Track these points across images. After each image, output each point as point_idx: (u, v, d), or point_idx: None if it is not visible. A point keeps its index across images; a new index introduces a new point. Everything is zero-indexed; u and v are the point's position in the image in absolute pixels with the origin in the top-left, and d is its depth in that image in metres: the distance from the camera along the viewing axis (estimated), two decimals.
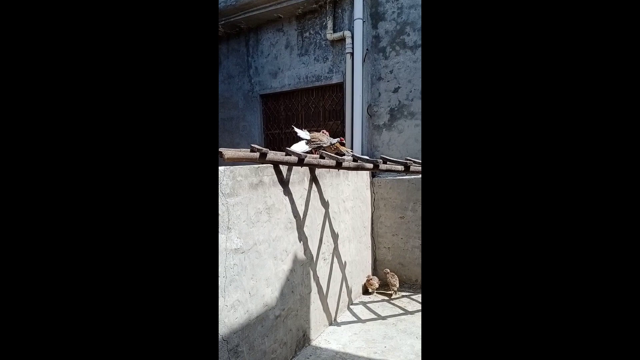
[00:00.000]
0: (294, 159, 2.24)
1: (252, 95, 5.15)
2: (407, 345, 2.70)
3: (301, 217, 2.58)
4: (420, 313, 3.27)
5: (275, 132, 5.12)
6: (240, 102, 5.27)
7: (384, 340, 2.79)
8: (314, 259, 2.78)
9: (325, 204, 2.97)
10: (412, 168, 2.69)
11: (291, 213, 2.44)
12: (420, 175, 3.12)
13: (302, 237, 2.60)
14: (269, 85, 4.97)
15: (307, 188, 2.67)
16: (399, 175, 3.82)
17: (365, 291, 3.85)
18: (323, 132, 3.26)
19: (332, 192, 3.10)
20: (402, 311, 3.33)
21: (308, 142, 3.03)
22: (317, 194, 2.82)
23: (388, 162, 2.79)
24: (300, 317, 2.57)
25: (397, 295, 3.71)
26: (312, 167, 2.65)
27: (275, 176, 2.27)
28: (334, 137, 3.19)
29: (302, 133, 3.08)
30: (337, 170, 3.06)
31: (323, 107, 4.68)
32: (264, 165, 2.20)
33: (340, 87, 4.47)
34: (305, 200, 2.64)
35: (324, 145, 3.00)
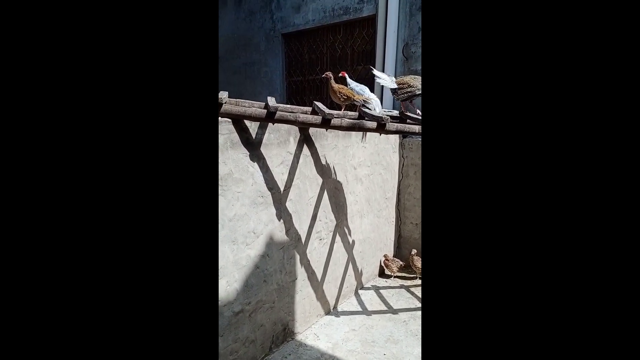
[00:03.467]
0: (258, 111, 1.61)
1: (274, 34, 4.43)
2: (413, 356, 2.13)
3: (281, 189, 2.00)
4: None
5: (297, 80, 4.42)
6: (262, 43, 4.60)
7: (386, 344, 2.24)
8: (303, 239, 2.23)
9: (324, 171, 2.34)
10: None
11: (263, 184, 1.87)
12: None
13: (283, 214, 2.04)
14: (291, 22, 4.20)
15: (292, 151, 2.05)
16: None
17: (382, 273, 3.26)
18: (413, 77, 2.41)
19: (336, 157, 2.44)
20: (419, 305, 2.72)
21: (395, 91, 2.32)
22: (309, 159, 2.19)
23: (407, 120, 2.02)
24: (278, 309, 2.11)
25: (419, 283, 3.08)
26: (301, 126, 1.99)
27: (234, 135, 1.68)
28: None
29: (384, 79, 2.32)
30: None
31: (351, 47, 3.84)
32: (221, 120, 1.62)
33: (372, 22, 3.57)
34: (289, 167, 2.04)
35: (419, 92, 2.26)
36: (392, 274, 3.16)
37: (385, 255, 3.19)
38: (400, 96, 2.28)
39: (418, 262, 3.06)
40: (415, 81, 2.30)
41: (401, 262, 3.15)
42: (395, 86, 2.29)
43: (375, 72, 2.39)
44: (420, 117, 2.24)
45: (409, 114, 2.39)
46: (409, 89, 2.27)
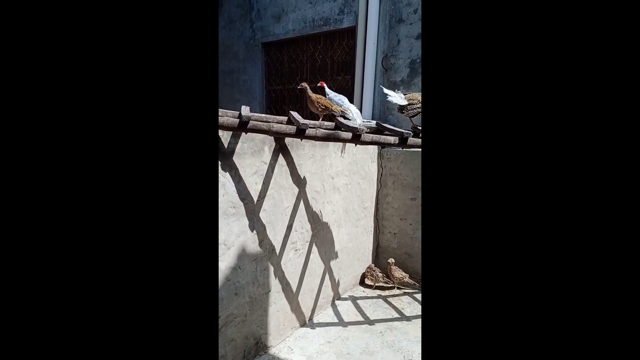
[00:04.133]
0: (230, 121, 1.58)
1: (254, 43, 4.42)
2: None
3: (254, 199, 1.96)
4: (418, 320, 2.63)
5: (277, 89, 4.41)
6: (241, 51, 4.57)
7: (362, 356, 2.21)
8: (277, 250, 2.19)
9: (300, 181, 2.32)
10: (411, 141, 1.91)
11: (235, 194, 1.83)
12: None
13: (257, 225, 2.00)
14: (271, 31, 4.20)
15: (267, 161, 2.02)
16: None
17: (362, 282, 3.25)
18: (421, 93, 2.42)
19: (313, 166, 2.43)
20: (397, 315, 2.71)
21: (403, 108, 2.26)
22: (285, 168, 2.17)
23: (385, 132, 2.03)
24: (251, 323, 2.05)
25: (398, 292, 3.08)
26: (275, 135, 1.96)
27: None
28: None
29: (394, 96, 2.28)
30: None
31: (331, 58, 3.86)
32: None
33: (352, 33, 3.61)
34: (263, 177, 2.01)
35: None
36: (375, 284, 3.15)
37: (370, 265, 3.19)
38: (410, 112, 2.25)
39: (396, 271, 3.06)
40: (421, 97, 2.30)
41: (382, 271, 3.15)
42: (405, 102, 2.26)
43: (385, 90, 2.37)
44: None
45: (420, 127, 2.37)
46: (418, 105, 2.26)
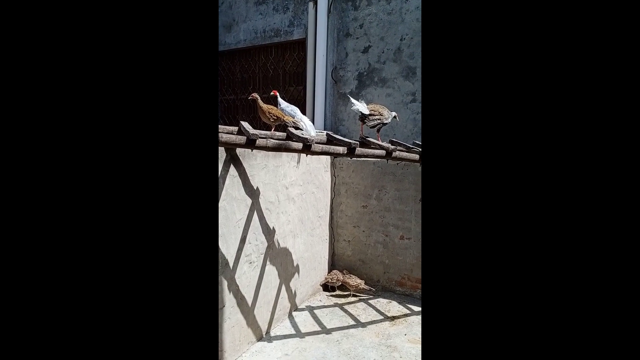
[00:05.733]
0: None
1: None
2: None
3: None
4: (373, 325, 2.69)
5: (230, 98, 4.34)
6: None
7: None
8: (231, 264, 2.13)
9: (253, 192, 2.29)
10: (359, 151, 1.98)
11: None
12: (386, 160, 2.44)
13: None
14: (222, 40, 4.14)
15: (217, 172, 1.98)
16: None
17: (326, 288, 3.27)
18: (381, 106, 2.47)
19: (266, 177, 2.41)
20: (352, 322, 2.75)
21: (364, 117, 2.28)
22: (237, 179, 2.13)
23: (334, 142, 2.08)
24: None
25: (353, 300, 3.13)
26: (225, 146, 1.93)
27: None
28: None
29: (360, 105, 2.30)
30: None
31: (283, 69, 3.89)
32: None
33: (302, 45, 3.67)
34: None
35: (386, 122, 2.32)
36: (351, 291, 3.16)
37: (334, 272, 3.22)
38: (371, 122, 2.33)
39: (350, 279, 3.12)
40: (384, 111, 2.39)
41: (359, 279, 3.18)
42: (367, 112, 2.32)
43: (352, 99, 2.42)
44: (380, 144, 2.27)
45: (371, 139, 2.44)
46: (378, 117, 2.34)
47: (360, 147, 2.01)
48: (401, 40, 3.08)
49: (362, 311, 2.93)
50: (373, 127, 2.35)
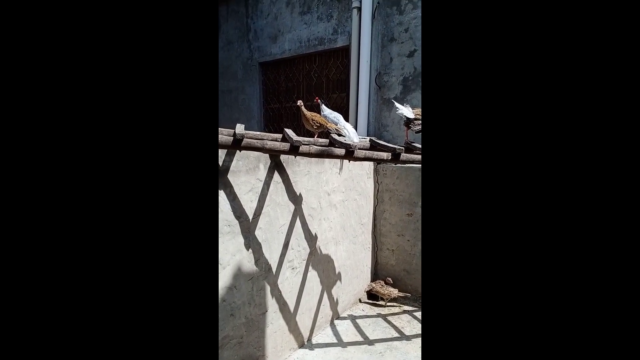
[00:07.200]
0: (224, 139, 1.58)
1: (251, 63, 4.50)
2: None
3: (250, 217, 1.95)
4: (418, 339, 2.57)
5: (275, 107, 4.46)
6: (239, 71, 4.65)
7: None
8: (274, 269, 2.16)
9: (296, 198, 2.31)
10: (404, 157, 1.92)
11: (230, 212, 1.82)
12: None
13: (252, 244, 1.98)
14: (268, 51, 4.28)
15: (262, 178, 2.02)
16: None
17: (370, 297, 3.21)
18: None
19: (309, 183, 2.43)
20: (396, 334, 2.65)
21: (409, 122, 2.25)
22: (280, 185, 2.17)
23: (378, 148, 2.04)
24: (247, 345, 2.00)
25: (398, 311, 3.02)
26: (269, 153, 1.97)
27: None
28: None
29: (404, 109, 2.28)
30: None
31: (327, 76, 3.93)
32: None
33: (346, 52, 3.68)
34: (258, 194, 2.00)
35: None
36: (385, 300, 3.10)
37: (381, 281, 3.16)
38: (417, 127, 2.25)
39: (381, 288, 3.06)
40: None
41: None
42: (412, 116, 2.25)
43: (396, 103, 2.39)
44: None
45: (416, 144, 2.37)
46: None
47: (405, 152, 1.95)
48: None
49: (406, 323, 2.82)
50: (418, 132, 2.27)
